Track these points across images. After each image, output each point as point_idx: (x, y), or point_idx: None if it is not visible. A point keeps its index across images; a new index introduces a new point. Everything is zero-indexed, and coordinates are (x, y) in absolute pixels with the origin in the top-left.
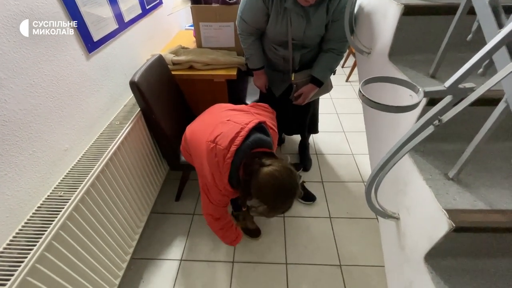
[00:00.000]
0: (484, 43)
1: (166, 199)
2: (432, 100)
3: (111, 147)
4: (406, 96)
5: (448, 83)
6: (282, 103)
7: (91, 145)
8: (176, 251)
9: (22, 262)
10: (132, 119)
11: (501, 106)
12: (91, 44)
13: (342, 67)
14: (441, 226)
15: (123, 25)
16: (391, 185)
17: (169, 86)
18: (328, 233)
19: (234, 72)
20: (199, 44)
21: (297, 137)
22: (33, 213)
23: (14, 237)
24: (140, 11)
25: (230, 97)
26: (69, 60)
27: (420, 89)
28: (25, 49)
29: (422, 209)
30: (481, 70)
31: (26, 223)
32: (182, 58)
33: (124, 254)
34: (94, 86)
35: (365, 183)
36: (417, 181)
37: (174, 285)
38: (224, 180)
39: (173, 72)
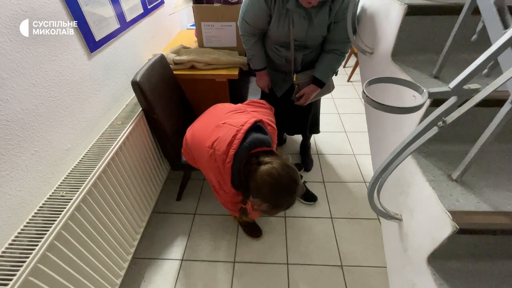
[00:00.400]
0: (489, 43)
1: (167, 199)
2: (436, 101)
3: (112, 147)
4: (409, 97)
5: (453, 84)
6: (284, 103)
7: (92, 145)
8: (177, 250)
9: (24, 262)
10: (133, 119)
11: (506, 107)
12: (93, 44)
13: (344, 67)
14: (445, 227)
15: (124, 24)
16: (394, 186)
17: (171, 86)
18: (329, 233)
19: (235, 72)
20: (200, 44)
21: (298, 137)
22: (35, 213)
23: (16, 236)
24: (141, 11)
25: (231, 97)
26: (71, 60)
27: (424, 90)
28: (27, 49)
29: (425, 211)
30: (485, 71)
31: (28, 222)
32: (183, 58)
33: (125, 253)
34: (95, 85)
35: (368, 184)
36: (420, 182)
37: (176, 284)
38: (228, 184)
39: (174, 72)
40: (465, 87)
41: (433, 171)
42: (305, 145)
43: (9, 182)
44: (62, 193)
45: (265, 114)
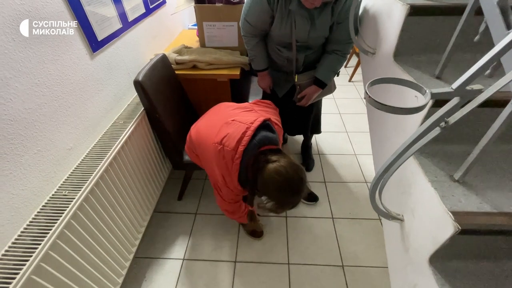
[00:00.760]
0: (491, 44)
1: (168, 198)
2: (438, 102)
3: (114, 146)
4: (411, 98)
5: (455, 84)
6: (285, 103)
7: (95, 144)
8: (178, 250)
9: (27, 260)
10: (135, 118)
11: (509, 108)
12: (95, 44)
13: (345, 67)
14: (446, 228)
15: (127, 24)
16: (396, 186)
17: (173, 86)
18: (330, 233)
19: (237, 72)
20: (202, 44)
21: (299, 137)
22: (38, 212)
23: (19, 235)
24: (143, 11)
25: (233, 97)
26: (73, 60)
27: (427, 91)
28: (30, 49)
29: (427, 211)
30: (488, 71)
31: (31, 222)
32: (185, 57)
33: (127, 253)
34: (98, 85)
35: (369, 184)
36: (422, 183)
37: (177, 284)
38: (234, 180)
39: (176, 72)
40: (468, 87)
41: (435, 172)
42: (307, 145)
43: (12, 181)
44: (65, 192)
45: (272, 114)
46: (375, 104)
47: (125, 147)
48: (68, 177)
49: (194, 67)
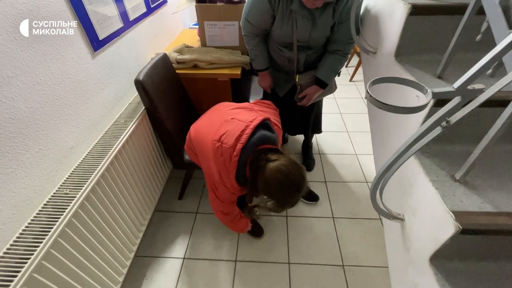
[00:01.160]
0: (493, 43)
1: (169, 198)
2: (440, 101)
3: (115, 145)
4: (412, 97)
5: (457, 84)
6: (286, 103)
7: (96, 143)
8: (179, 249)
9: (28, 258)
10: (136, 117)
11: (510, 108)
12: (96, 43)
13: (346, 66)
14: (448, 228)
15: (128, 23)
16: (396, 186)
17: (173, 85)
18: (331, 233)
19: (238, 71)
20: (203, 43)
21: (300, 137)
22: (39, 211)
23: (21, 234)
24: (144, 10)
25: (234, 96)
26: (75, 59)
27: (428, 90)
28: (32, 48)
29: (428, 211)
30: (490, 71)
31: (32, 220)
32: (186, 57)
33: (128, 251)
34: (99, 84)
35: (369, 184)
36: (423, 183)
37: (177, 283)
38: (231, 178)
39: (177, 71)
40: (469, 87)
41: (436, 171)
42: (307, 145)
43: (14, 179)
44: (66, 191)
45: (271, 114)
46: (376, 103)
47: (126, 146)
48: (69, 176)
49: (195, 67)
